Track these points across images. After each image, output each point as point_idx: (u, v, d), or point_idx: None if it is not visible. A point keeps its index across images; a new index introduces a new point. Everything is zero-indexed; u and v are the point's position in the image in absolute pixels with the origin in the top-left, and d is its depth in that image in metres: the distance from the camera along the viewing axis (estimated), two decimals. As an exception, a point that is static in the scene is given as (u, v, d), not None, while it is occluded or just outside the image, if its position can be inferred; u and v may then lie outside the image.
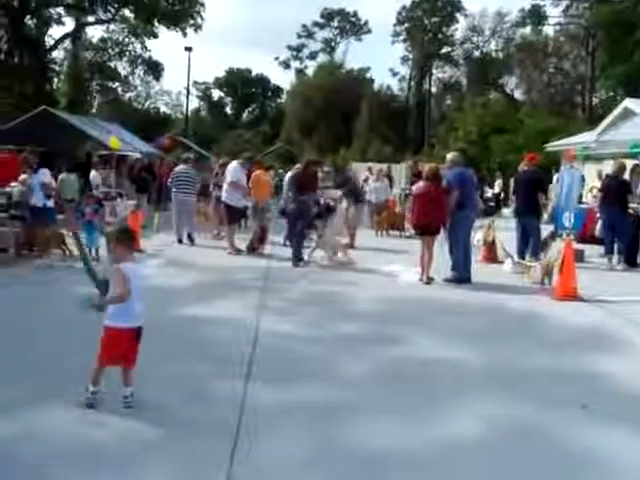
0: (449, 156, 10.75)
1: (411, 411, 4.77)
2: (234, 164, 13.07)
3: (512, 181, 18.67)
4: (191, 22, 41.83)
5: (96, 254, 10.83)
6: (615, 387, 5.40)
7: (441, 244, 10.31)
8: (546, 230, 12.38)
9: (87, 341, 4.75)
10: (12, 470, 3.66)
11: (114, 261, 4.55)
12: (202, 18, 42.13)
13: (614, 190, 12.29)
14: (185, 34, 42.24)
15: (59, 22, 41.89)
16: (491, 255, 12.19)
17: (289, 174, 12.15)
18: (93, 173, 19.03)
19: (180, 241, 13.93)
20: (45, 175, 10.64)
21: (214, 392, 4.98)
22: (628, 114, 22.43)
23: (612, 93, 49.96)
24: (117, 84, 51.65)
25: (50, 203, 10.71)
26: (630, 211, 12.21)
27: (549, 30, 58.05)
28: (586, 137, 24.16)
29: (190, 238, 14.05)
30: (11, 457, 3.80)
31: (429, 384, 5.37)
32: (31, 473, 3.65)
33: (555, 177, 16.96)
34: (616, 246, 12.13)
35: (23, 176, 11.28)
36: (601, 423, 4.60)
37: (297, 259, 11.20)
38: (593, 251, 13.15)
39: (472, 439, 4.31)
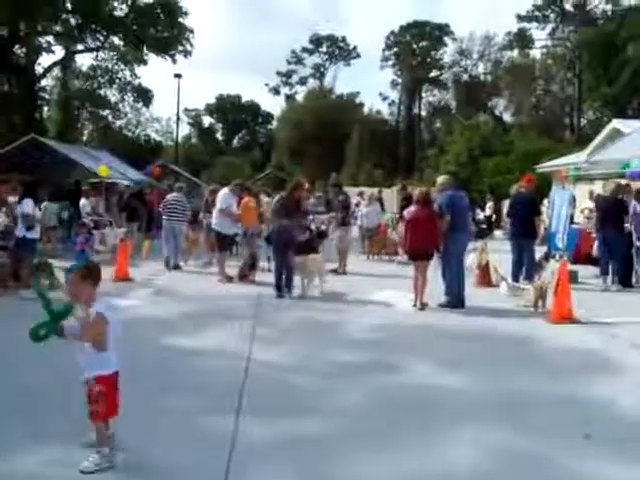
0: (439, 179, 10.69)
1: (406, 441, 4.62)
2: (224, 191, 12.96)
3: (506, 203, 18.67)
4: (180, 49, 41.98)
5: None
6: (616, 412, 5.27)
7: (434, 269, 10.19)
8: (539, 252, 12.31)
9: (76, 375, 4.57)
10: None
11: (80, 301, 4.11)
12: (191, 45, 42.33)
13: (611, 210, 12.24)
14: (175, 61, 42.43)
15: (49, 51, 41.97)
16: (485, 279, 12.08)
17: (274, 199, 11.95)
18: (83, 201, 18.92)
19: (167, 267, 13.93)
20: (27, 205, 10.48)
21: (203, 426, 4.82)
22: (616, 134, 22.55)
23: (599, 114, 50.40)
24: (107, 111, 51.63)
25: (31, 234, 10.53)
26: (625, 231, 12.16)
27: (536, 53, 58.78)
28: (576, 158, 24.26)
29: (177, 266, 14.07)
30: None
31: (424, 413, 5.23)
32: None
33: (546, 200, 16.94)
34: (611, 266, 12.07)
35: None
36: (605, 452, 4.45)
37: (287, 290, 10.80)
38: (587, 272, 13.06)
39: (469, 469, 4.18)
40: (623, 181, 13.69)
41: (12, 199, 11.19)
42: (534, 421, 5.03)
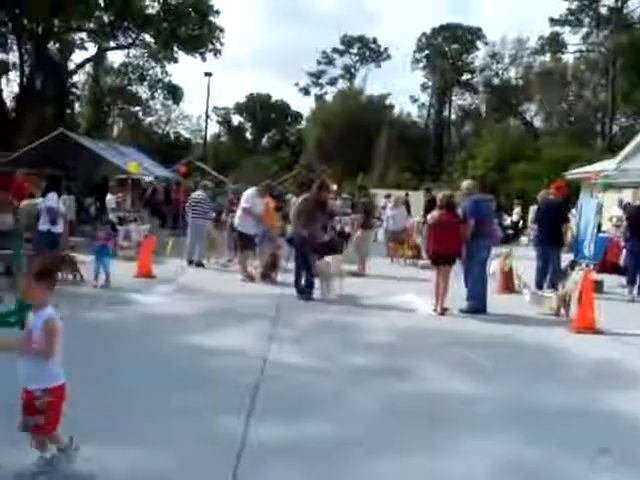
0: (464, 184, 10.56)
1: (417, 451, 4.55)
2: (250, 191, 12.96)
3: (533, 209, 18.46)
4: (210, 47, 42.22)
5: (106, 281, 10.68)
6: (635, 427, 5.14)
7: (456, 274, 10.07)
8: (566, 260, 12.11)
9: (105, 372, 4.59)
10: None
11: (32, 303, 3.76)
12: (221, 43, 42.55)
13: None
14: (204, 59, 42.69)
15: (82, 47, 42.56)
16: (508, 285, 11.92)
17: (298, 200, 11.88)
18: (109, 197, 19.09)
19: (191, 263, 14.06)
20: (52, 200, 10.59)
21: (214, 426, 4.80)
22: (648, 143, 22.12)
23: (633, 121, 49.58)
24: (138, 108, 52.10)
25: (55, 228, 10.61)
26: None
27: (569, 57, 58.00)
28: (606, 165, 23.90)
29: (199, 264, 14.12)
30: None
31: (439, 420, 5.16)
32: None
33: (574, 209, 16.71)
34: (638, 277, 11.84)
35: (25, 201, 11.24)
36: (623, 468, 4.35)
37: (308, 291, 10.65)
38: (613, 281, 12.84)
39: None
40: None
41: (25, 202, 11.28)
42: (549, 432, 4.93)
